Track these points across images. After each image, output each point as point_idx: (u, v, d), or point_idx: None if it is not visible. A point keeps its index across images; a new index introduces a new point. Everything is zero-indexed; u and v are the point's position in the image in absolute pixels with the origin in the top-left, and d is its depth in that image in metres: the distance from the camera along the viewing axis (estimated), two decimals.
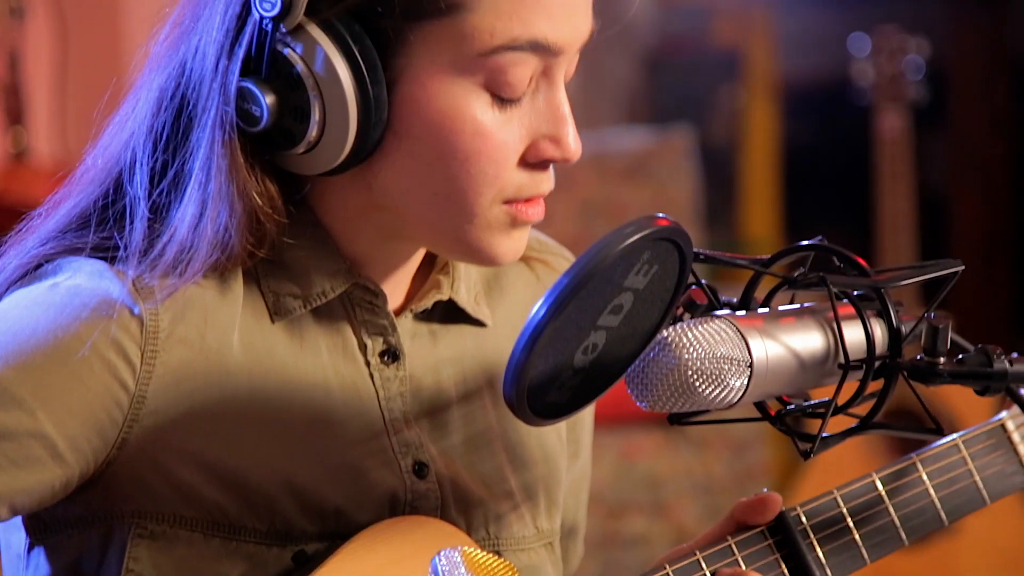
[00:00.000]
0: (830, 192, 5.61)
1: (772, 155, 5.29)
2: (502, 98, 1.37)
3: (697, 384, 1.27)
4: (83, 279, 1.38)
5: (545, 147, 1.40)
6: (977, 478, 1.49)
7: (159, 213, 1.40)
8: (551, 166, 1.42)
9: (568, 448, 1.61)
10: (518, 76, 1.37)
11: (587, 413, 1.64)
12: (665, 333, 1.28)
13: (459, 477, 1.48)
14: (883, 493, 1.45)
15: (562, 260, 1.62)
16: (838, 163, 5.49)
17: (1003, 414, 1.52)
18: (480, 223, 1.40)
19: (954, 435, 1.48)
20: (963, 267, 1.36)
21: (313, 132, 1.36)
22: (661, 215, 1.28)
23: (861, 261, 1.36)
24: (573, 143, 1.40)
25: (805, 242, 1.39)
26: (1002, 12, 5.70)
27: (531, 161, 1.40)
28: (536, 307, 1.23)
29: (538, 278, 1.60)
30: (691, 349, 1.27)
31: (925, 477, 1.46)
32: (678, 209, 4.28)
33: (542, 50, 1.37)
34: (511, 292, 1.57)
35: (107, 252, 1.40)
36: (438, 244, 1.45)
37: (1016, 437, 1.51)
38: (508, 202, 1.40)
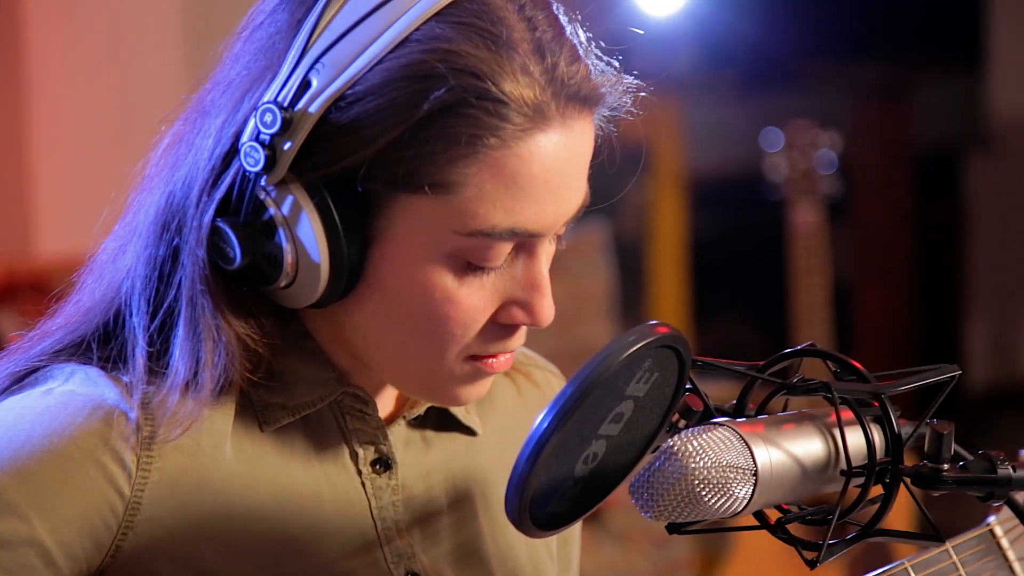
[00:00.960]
0: (742, 285, 5.65)
1: (680, 248, 5.32)
2: (477, 266, 1.36)
3: (703, 494, 1.25)
4: (77, 385, 1.37)
5: (516, 312, 1.38)
6: None
7: (158, 346, 1.38)
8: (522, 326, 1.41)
9: (559, 563, 1.59)
10: (495, 254, 1.35)
11: (576, 530, 1.63)
12: (670, 442, 1.26)
13: None
14: None
15: (549, 375, 1.62)
16: (750, 256, 5.53)
17: (991, 519, 1.51)
18: (444, 374, 1.40)
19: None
20: (960, 372, 1.36)
21: (285, 279, 1.36)
22: (660, 323, 1.27)
23: (858, 365, 1.35)
24: (546, 312, 1.38)
25: (799, 347, 1.38)
26: (903, 107, 5.81)
27: (501, 322, 1.39)
28: (540, 419, 1.22)
29: (519, 392, 1.59)
30: (697, 458, 1.25)
31: None
32: (594, 303, 4.27)
33: (522, 236, 1.35)
34: (500, 403, 1.56)
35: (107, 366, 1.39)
36: (400, 384, 1.45)
37: (1005, 543, 1.50)
38: (474, 357, 1.39)
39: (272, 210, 1.35)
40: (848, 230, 5.77)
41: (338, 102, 1.32)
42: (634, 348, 1.23)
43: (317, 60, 1.33)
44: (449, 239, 1.34)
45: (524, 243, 1.36)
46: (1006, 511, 1.49)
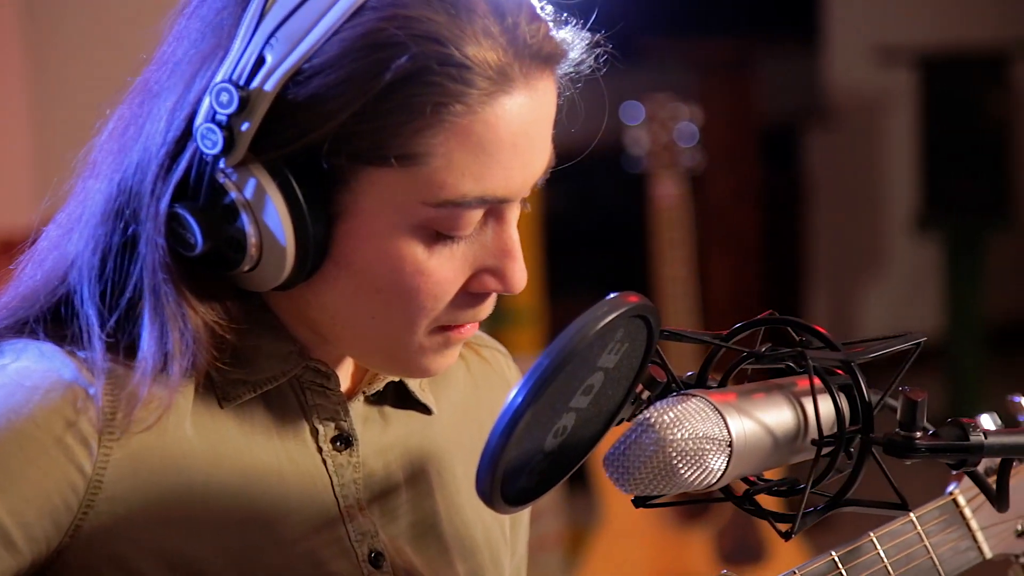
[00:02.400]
0: (601, 259, 5.63)
1: (533, 224, 5.30)
2: (446, 235, 1.32)
3: (679, 466, 1.22)
4: (31, 360, 1.32)
5: (488, 280, 1.35)
6: (933, 555, 1.46)
7: (126, 337, 1.33)
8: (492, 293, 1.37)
9: (510, 542, 1.57)
10: (465, 222, 1.32)
11: (526, 511, 1.62)
12: (646, 413, 1.24)
13: (411, 565, 1.44)
14: (843, 572, 1.42)
15: (497, 353, 1.59)
16: (610, 230, 5.51)
17: (952, 487, 1.50)
18: (413, 347, 1.36)
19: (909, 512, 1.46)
20: (925, 339, 1.35)
21: (249, 263, 1.32)
22: (631, 292, 1.24)
23: (825, 332, 1.33)
24: (518, 277, 1.35)
25: (760, 315, 1.36)
26: (747, 82, 5.84)
27: (472, 291, 1.35)
28: (513, 393, 1.19)
29: (469, 369, 1.56)
30: (673, 429, 1.22)
31: (883, 554, 1.43)
32: None
33: (492, 202, 1.32)
34: (451, 381, 1.53)
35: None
36: (366, 359, 1.42)
37: (967, 512, 1.49)
38: (443, 327, 1.36)
39: (233, 193, 1.30)
40: (698, 202, 5.79)
41: (295, 77, 1.28)
42: (609, 318, 1.21)
43: (271, 35, 1.29)
44: (418, 210, 1.30)
45: (493, 209, 1.33)
46: (967, 480, 1.48)
